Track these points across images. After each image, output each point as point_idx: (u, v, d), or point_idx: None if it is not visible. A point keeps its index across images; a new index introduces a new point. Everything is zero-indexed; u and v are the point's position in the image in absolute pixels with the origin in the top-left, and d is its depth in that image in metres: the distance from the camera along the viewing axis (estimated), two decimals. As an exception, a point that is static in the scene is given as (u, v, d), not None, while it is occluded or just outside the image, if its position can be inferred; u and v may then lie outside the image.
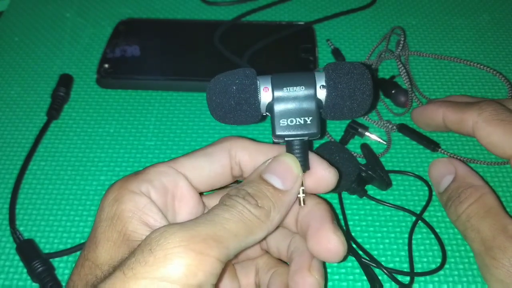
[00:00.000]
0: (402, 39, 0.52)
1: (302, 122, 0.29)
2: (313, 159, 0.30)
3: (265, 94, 0.29)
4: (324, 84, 0.29)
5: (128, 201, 0.26)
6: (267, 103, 0.29)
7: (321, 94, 0.29)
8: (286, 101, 0.29)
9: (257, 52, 0.54)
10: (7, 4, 0.63)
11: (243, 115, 0.29)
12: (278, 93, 0.29)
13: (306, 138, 0.29)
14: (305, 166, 0.29)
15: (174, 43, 0.56)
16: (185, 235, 0.23)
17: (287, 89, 0.29)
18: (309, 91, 0.29)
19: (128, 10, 0.61)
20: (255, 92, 0.29)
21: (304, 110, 0.29)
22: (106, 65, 0.53)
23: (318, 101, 0.29)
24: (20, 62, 0.56)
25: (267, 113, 0.30)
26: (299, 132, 0.29)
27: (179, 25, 0.59)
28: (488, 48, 0.56)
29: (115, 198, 0.27)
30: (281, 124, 0.29)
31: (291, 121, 0.29)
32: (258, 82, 0.29)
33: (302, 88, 0.29)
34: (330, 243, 0.28)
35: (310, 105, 0.29)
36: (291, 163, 0.28)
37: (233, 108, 0.29)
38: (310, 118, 0.29)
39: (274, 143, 0.31)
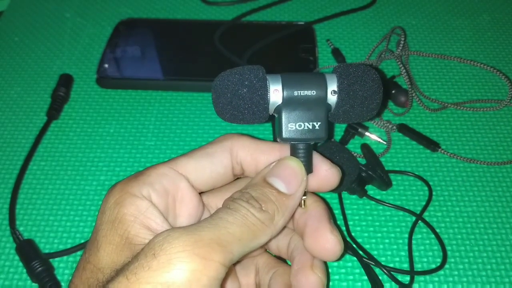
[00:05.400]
0: (402, 39, 0.52)
1: (310, 127, 0.28)
2: (316, 158, 0.29)
3: (275, 96, 0.28)
4: (335, 89, 0.28)
5: (130, 204, 0.26)
6: (276, 105, 0.28)
7: (332, 99, 0.28)
8: (295, 104, 0.28)
9: (257, 52, 0.54)
10: (7, 4, 0.63)
11: (251, 116, 0.28)
12: (288, 96, 0.28)
13: (312, 142, 0.29)
14: (309, 169, 0.29)
15: (174, 43, 0.56)
16: (189, 239, 0.22)
17: (297, 92, 0.28)
18: (320, 96, 0.28)
19: (128, 10, 0.61)
20: (265, 95, 0.28)
21: (313, 115, 0.28)
22: (106, 65, 0.53)
23: (328, 106, 0.29)
24: (20, 62, 0.56)
25: (274, 114, 0.29)
26: (306, 137, 0.28)
27: (179, 25, 0.59)
28: (488, 48, 0.56)
29: (116, 201, 0.26)
30: (289, 128, 0.28)
31: (299, 126, 0.28)
32: (268, 82, 0.28)
33: (313, 92, 0.28)
34: (328, 243, 0.28)
35: (319, 110, 0.28)
36: (296, 167, 0.28)
37: (241, 110, 0.28)
38: (319, 123, 0.28)
39: (276, 141, 0.31)
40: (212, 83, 0.29)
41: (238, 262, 0.33)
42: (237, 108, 0.28)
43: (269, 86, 0.28)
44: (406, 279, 0.38)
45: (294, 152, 0.29)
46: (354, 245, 0.40)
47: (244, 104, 0.28)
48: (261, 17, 0.60)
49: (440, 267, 0.39)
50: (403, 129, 0.47)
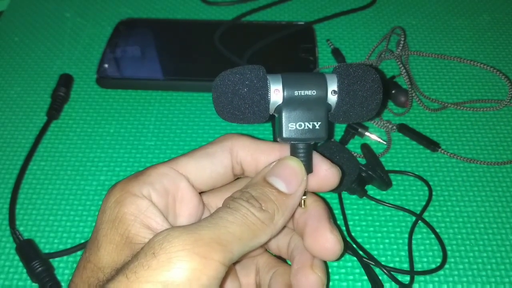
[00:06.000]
0: (402, 39, 0.52)
1: (310, 127, 0.28)
2: (316, 158, 0.30)
3: (275, 96, 0.28)
4: (336, 89, 0.28)
5: (130, 204, 0.26)
6: (276, 105, 0.28)
7: (332, 99, 0.28)
8: (296, 104, 0.28)
9: (257, 52, 0.54)
10: (7, 4, 0.63)
11: (252, 116, 0.29)
12: (288, 96, 0.28)
13: (312, 142, 0.29)
14: (309, 169, 0.29)
15: (174, 43, 0.56)
16: (189, 238, 0.22)
17: (298, 92, 0.28)
18: (321, 96, 0.28)
19: (128, 10, 0.61)
20: (266, 94, 0.28)
21: (313, 115, 0.28)
22: (106, 65, 0.53)
23: (328, 106, 0.29)
24: (20, 62, 0.56)
25: (275, 114, 0.29)
26: (306, 136, 0.28)
27: (179, 25, 0.59)
28: (488, 48, 0.56)
29: (116, 200, 0.26)
30: (289, 128, 0.28)
31: (300, 125, 0.28)
32: (268, 82, 0.28)
33: (314, 92, 0.28)
34: (328, 242, 0.28)
35: (320, 110, 0.28)
36: (296, 166, 0.28)
37: (242, 110, 0.28)
38: (319, 123, 0.28)
39: (276, 141, 0.31)
40: (213, 83, 0.29)
41: (238, 261, 0.33)
42: (238, 107, 0.28)
43: (270, 86, 0.28)
44: (406, 279, 0.38)
45: (294, 152, 0.29)
46: (354, 245, 0.40)
47: (245, 104, 0.28)
48: (261, 17, 0.60)
49: (440, 267, 0.39)
50: (403, 129, 0.47)
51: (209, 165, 0.29)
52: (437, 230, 0.41)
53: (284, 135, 0.28)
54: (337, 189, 0.42)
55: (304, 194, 0.29)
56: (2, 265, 0.39)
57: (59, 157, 0.47)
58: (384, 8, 0.62)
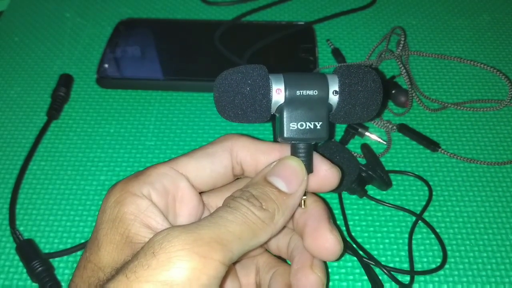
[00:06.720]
0: (403, 39, 0.52)
1: (312, 126, 0.28)
2: (316, 159, 0.30)
3: (277, 95, 0.28)
4: (337, 90, 0.28)
5: (130, 203, 0.26)
6: (278, 104, 0.28)
7: (333, 99, 0.28)
8: (297, 104, 0.28)
9: (257, 52, 0.54)
10: (7, 4, 0.63)
11: (253, 115, 0.29)
12: (290, 96, 0.28)
13: (313, 142, 0.29)
14: (309, 169, 0.29)
15: (174, 43, 0.56)
16: (188, 238, 0.22)
17: (300, 92, 0.28)
18: (322, 96, 0.28)
19: (128, 10, 0.61)
20: (268, 94, 0.28)
21: (314, 115, 0.28)
22: (106, 65, 0.53)
23: (329, 106, 0.29)
24: (20, 62, 0.56)
25: (276, 113, 0.29)
26: (308, 136, 0.28)
27: (179, 25, 0.59)
28: (488, 48, 0.56)
29: (116, 200, 0.26)
30: (291, 128, 0.28)
31: (301, 125, 0.28)
32: (270, 82, 0.28)
33: (315, 92, 0.28)
34: (327, 242, 0.28)
35: (321, 110, 0.28)
36: (297, 166, 0.28)
37: (244, 109, 0.28)
38: (321, 123, 0.28)
39: (276, 141, 0.31)
40: (214, 82, 0.29)
41: (238, 261, 0.33)
42: (240, 106, 0.28)
43: (272, 85, 0.28)
44: (406, 279, 0.38)
45: (294, 152, 0.29)
46: (354, 245, 0.40)
47: (247, 103, 0.28)
48: (261, 17, 0.60)
49: (440, 267, 0.39)
50: (403, 129, 0.47)
51: (209, 165, 0.29)
52: (437, 230, 0.41)
53: (286, 134, 0.28)
54: (337, 189, 0.42)
55: (304, 194, 0.29)
56: (2, 265, 0.39)
57: (59, 157, 0.47)
58: (384, 8, 0.62)
